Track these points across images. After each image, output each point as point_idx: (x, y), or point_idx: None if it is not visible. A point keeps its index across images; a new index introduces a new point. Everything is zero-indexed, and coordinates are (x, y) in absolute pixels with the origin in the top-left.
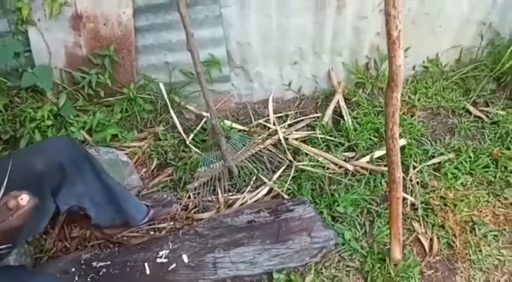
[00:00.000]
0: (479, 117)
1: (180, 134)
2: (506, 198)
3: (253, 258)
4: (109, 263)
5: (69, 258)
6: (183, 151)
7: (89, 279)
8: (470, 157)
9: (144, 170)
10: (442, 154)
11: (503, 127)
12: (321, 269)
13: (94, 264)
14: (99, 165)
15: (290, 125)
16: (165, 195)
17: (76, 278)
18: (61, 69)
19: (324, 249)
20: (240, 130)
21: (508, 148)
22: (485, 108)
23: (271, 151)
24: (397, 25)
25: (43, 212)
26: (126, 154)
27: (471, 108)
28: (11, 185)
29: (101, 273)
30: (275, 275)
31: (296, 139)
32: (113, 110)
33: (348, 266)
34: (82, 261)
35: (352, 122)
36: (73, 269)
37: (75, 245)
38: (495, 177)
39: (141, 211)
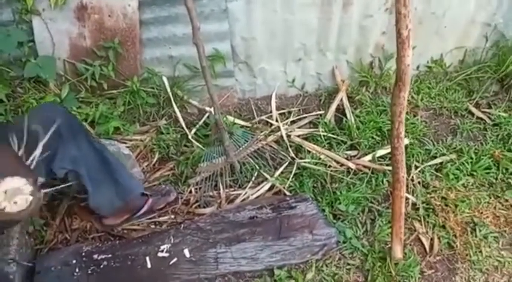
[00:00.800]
0: (482, 119)
1: (182, 128)
2: (507, 200)
3: (255, 254)
4: (110, 256)
5: (69, 250)
6: (185, 146)
7: (89, 272)
8: (472, 158)
9: (145, 163)
10: (444, 154)
11: (505, 129)
12: (322, 266)
13: (95, 256)
14: (93, 136)
15: (293, 122)
16: (163, 186)
17: (77, 270)
18: (64, 60)
19: (326, 246)
20: (242, 126)
21: (509, 150)
22: (488, 110)
23: (273, 148)
24: (407, 24)
25: None
26: (128, 147)
27: (474, 110)
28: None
29: (101, 266)
30: (276, 272)
31: (298, 136)
32: (116, 102)
33: (348, 264)
34: (83, 254)
35: (355, 120)
36: (74, 261)
37: (76, 237)
38: (496, 178)
39: (137, 184)
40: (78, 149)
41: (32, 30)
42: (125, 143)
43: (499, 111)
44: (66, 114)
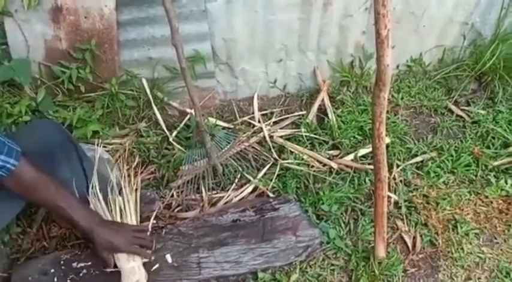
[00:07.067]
0: (461, 117)
1: (163, 130)
2: (486, 197)
3: (238, 257)
4: (90, 263)
5: (48, 258)
6: (166, 148)
7: (68, 281)
8: (452, 156)
9: (126, 167)
10: (424, 153)
11: (483, 126)
12: (306, 268)
13: (74, 264)
14: (82, 151)
15: (275, 123)
16: (148, 193)
17: (55, 280)
18: (40, 63)
19: (309, 248)
20: (224, 127)
21: (488, 147)
22: (467, 108)
23: (256, 149)
24: (386, 24)
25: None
26: (108, 151)
27: (453, 108)
28: None
29: (81, 274)
30: (260, 275)
31: (281, 137)
32: (94, 105)
33: (332, 265)
34: (61, 262)
35: (337, 120)
36: (52, 270)
37: (54, 244)
38: (476, 175)
39: None
40: (70, 171)
41: (5, 32)
42: (105, 147)
43: (478, 109)
44: (59, 134)
